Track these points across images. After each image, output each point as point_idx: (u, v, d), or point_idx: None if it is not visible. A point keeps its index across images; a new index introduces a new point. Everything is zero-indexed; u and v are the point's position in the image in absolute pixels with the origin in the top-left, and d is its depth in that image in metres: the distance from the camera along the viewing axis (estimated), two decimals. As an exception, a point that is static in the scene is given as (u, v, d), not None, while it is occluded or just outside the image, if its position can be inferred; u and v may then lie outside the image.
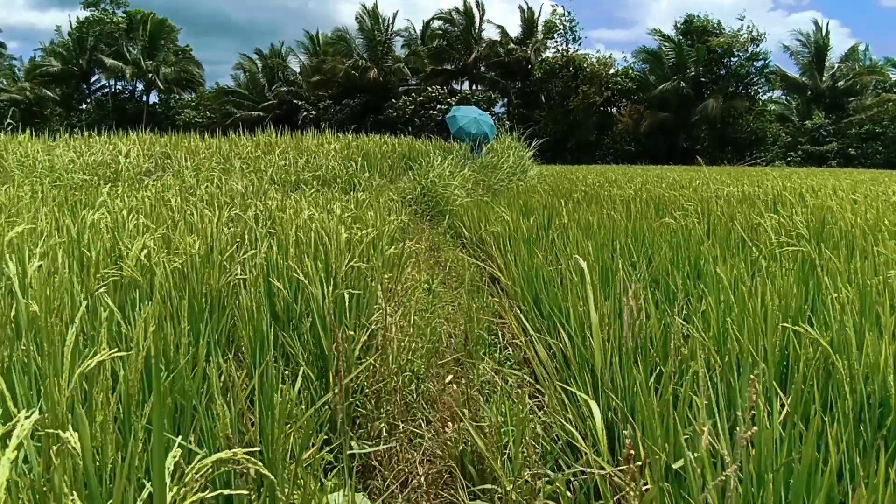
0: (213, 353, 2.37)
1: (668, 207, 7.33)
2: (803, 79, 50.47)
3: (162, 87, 54.62)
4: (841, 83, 49.09)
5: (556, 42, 50.57)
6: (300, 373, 2.47)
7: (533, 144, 17.38)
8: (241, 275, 2.59)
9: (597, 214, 6.74)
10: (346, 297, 2.71)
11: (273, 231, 3.73)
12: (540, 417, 2.52)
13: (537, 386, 2.86)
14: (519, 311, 3.75)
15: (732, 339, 2.04)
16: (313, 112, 48.08)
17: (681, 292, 3.07)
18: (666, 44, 49.17)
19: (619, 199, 8.17)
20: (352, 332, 2.55)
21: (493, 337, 4.56)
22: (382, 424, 2.73)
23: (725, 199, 7.52)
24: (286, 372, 2.51)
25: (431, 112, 44.83)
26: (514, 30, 52.61)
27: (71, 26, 53.63)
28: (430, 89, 47.14)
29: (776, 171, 23.90)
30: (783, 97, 53.50)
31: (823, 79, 49.83)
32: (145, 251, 2.85)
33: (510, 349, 3.91)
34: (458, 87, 51.50)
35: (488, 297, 5.43)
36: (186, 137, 12.64)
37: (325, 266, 2.91)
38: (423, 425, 3.16)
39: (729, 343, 2.02)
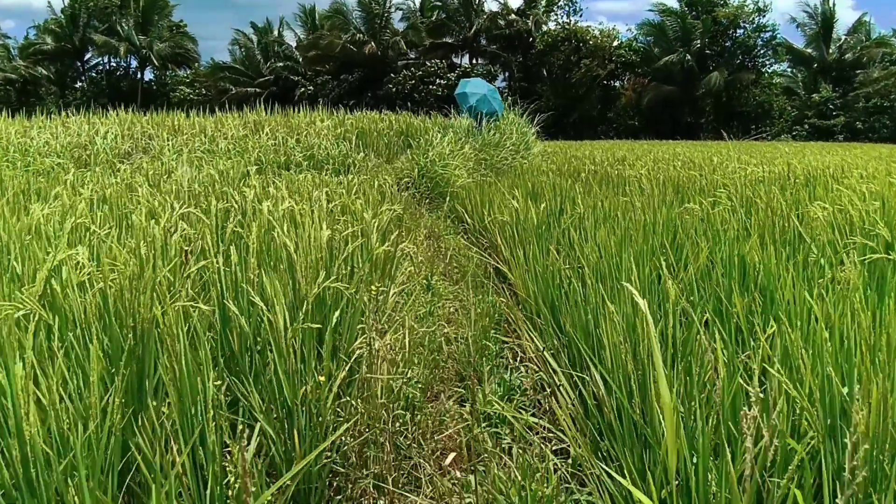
0: (136, 415, 1.79)
1: (689, 190, 6.73)
2: (809, 50, 49.38)
3: (156, 63, 53.60)
4: (848, 55, 48.01)
5: (557, 15, 49.51)
6: (257, 429, 1.91)
7: (536, 120, 16.69)
8: (186, 298, 2.02)
9: (611, 198, 6.15)
10: (319, 327, 2.14)
11: (242, 232, 3.13)
12: (567, 483, 1.97)
13: (558, 433, 2.30)
14: (532, 327, 3.18)
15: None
16: (311, 88, 47.14)
17: (740, 310, 2.50)
18: (669, 17, 48.00)
19: (633, 180, 7.56)
20: (322, 378, 1.97)
21: (500, 344, 4.00)
22: (368, 482, 2.18)
23: (749, 178, 6.91)
24: (240, 428, 1.96)
25: (431, 87, 43.89)
26: (516, 1, 51.42)
27: (64, 3, 52.48)
28: (429, 63, 46.15)
29: (786, 146, 23.18)
30: (788, 70, 52.38)
31: (830, 51, 48.75)
32: (75, 263, 2.28)
33: (523, 368, 3.35)
34: (459, 61, 50.45)
35: (494, 296, 4.86)
36: (170, 116, 11.97)
37: (293, 283, 2.33)
38: (418, 466, 2.62)
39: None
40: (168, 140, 9.17)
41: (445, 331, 4.36)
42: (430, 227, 7.69)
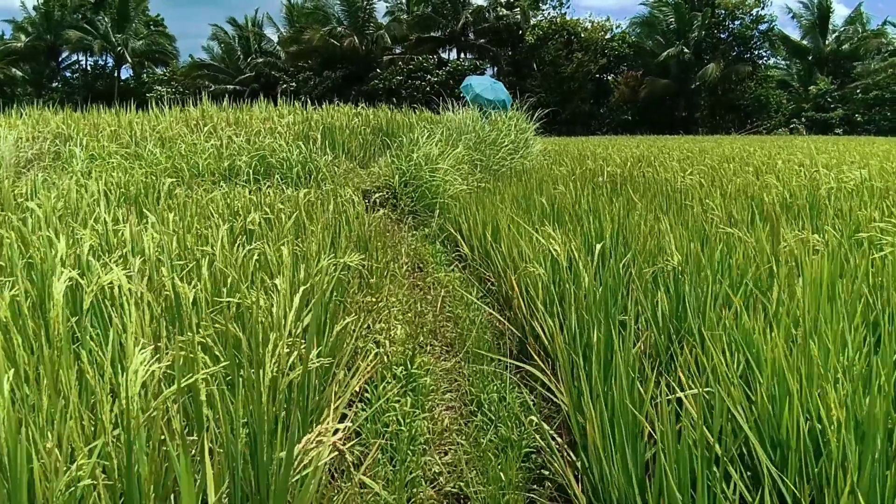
0: None
1: (763, 204, 4.88)
2: (805, 42, 47.98)
3: (131, 61, 51.66)
4: (845, 47, 46.60)
5: (542, 10, 47.80)
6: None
7: (535, 116, 14.78)
8: None
9: (670, 220, 4.28)
10: None
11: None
12: None
13: None
14: None
15: None
16: (293, 84, 45.17)
17: None
18: (663, 9, 46.35)
19: (675, 187, 5.73)
20: None
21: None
22: None
23: (847, 187, 5.08)
24: None
25: (419, 83, 41.92)
26: (502, -6, 49.44)
27: (37, 1, 50.61)
28: (418, 58, 44.23)
29: (802, 140, 21.39)
30: (783, 62, 50.95)
31: (827, 42, 47.35)
32: None
33: None
34: (447, 56, 48.54)
35: (519, 397, 2.99)
36: (91, 114, 9.91)
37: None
38: None
39: None
40: (82, 142, 7.21)
41: (436, 469, 2.51)
42: (415, 253, 5.82)
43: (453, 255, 5.97)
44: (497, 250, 4.45)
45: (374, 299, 3.54)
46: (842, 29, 47.77)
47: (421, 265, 5.74)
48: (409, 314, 3.77)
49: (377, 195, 6.95)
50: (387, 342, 3.18)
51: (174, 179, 5.23)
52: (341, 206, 4.47)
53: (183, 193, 4.50)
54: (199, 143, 7.20)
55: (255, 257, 2.55)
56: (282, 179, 6.50)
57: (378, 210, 6.03)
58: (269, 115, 9.75)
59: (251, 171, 6.39)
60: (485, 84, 15.31)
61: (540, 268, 2.88)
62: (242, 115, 9.46)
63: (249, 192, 4.79)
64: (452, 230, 5.97)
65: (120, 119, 9.06)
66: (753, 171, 7.00)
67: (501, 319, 3.34)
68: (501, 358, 2.97)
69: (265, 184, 5.96)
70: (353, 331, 2.86)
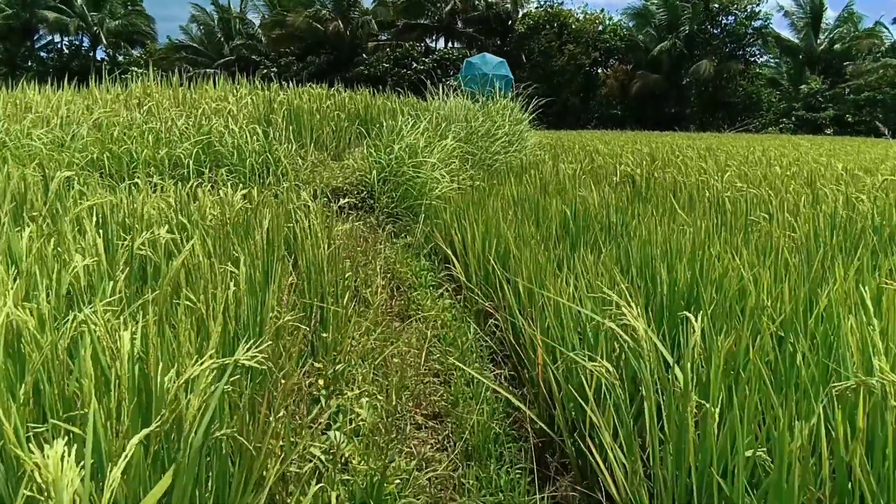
0: None
1: (854, 226, 3.74)
2: (797, 41, 47.23)
3: (106, 41, 49.89)
4: (837, 46, 45.88)
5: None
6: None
7: (531, 107, 13.61)
8: None
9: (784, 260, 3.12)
10: None
11: None
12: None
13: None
14: None
15: None
16: (274, 69, 43.63)
17: None
18: (656, 0, 45.34)
19: (727, 197, 4.56)
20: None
21: None
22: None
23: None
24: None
25: (407, 71, 40.54)
26: (494, -19, 48.06)
27: (10, -23, 48.80)
28: (405, 45, 42.87)
29: (805, 140, 20.40)
30: (772, 60, 50.19)
31: (819, 41, 46.61)
32: None
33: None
34: (434, 45, 47.16)
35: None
36: (20, 91, 8.44)
37: None
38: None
39: None
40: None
41: None
42: (394, 271, 4.60)
43: (441, 273, 4.76)
44: (506, 279, 3.27)
45: (327, 367, 2.35)
46: (834, 28, 47.05)
47: (401, 285, 4.55)
48: (388, 347, 2.56)
49: (348, 199, 5.68)
50: (340, 451, 1.98)
51: (73, 172, 3.96)
52: (293, 216, 3.22)
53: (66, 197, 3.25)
54: (134, 125, 5.90)
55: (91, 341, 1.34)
56: (231, 173, 5.25)
57: (349, 214, 4.80)
58: (225, 94, 8.29)
59: (192, 162, 5.14)
60: (486, 63, 15.25)
61: (606, 362, 1.67)
62: (192, 94, 8.02)
63: (175, 192, 3.54)
64: (443, 244, 4.74)
65: (49, 98, 7.58)
66: (805, 177, 5.84)
67: (521, 406, 2.14)
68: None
69: (209, 178, 4.72)
70: (282, 446, 1.67)
